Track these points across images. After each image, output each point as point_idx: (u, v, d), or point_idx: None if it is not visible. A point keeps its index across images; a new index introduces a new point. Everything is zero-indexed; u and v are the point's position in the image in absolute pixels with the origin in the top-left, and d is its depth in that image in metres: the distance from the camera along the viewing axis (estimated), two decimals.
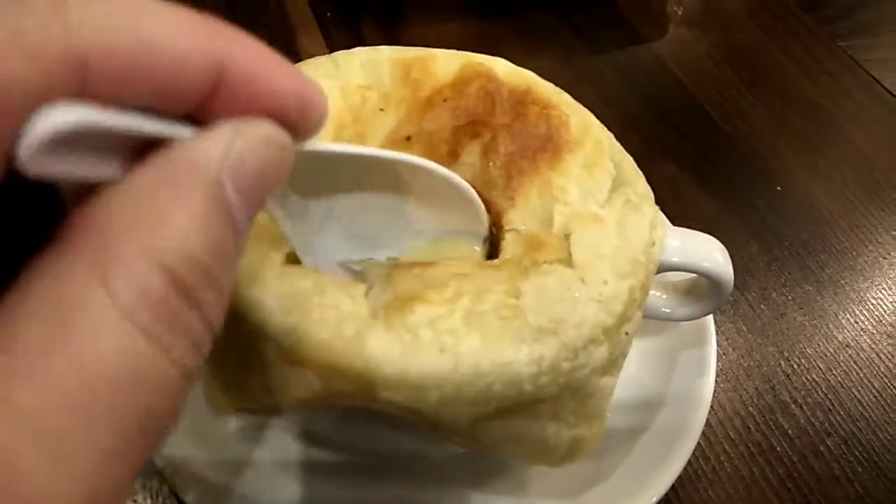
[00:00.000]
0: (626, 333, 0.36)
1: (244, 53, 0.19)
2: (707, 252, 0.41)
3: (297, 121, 0.21)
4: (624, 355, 0.37)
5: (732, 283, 0.40)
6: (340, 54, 0.44)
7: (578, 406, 0.37)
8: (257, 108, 0.19)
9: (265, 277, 0.33)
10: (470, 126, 0.40)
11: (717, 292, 0.41)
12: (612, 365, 0.37)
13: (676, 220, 0.59)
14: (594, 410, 0.38)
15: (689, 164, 0.65)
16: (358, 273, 0.35)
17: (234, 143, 0.18)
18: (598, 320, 0.34)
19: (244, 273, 0.33)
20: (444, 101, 0.41)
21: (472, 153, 0.40)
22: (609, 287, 0.35)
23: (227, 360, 0.37)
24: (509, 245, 0.38)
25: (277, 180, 0.20)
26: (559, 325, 0.33)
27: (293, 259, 0.34)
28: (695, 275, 0.42)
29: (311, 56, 0.71)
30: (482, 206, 0.37)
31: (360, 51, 0.44)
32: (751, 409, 0.50)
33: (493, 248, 0.39)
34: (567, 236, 0.37)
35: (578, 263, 0.35)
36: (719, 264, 0.40)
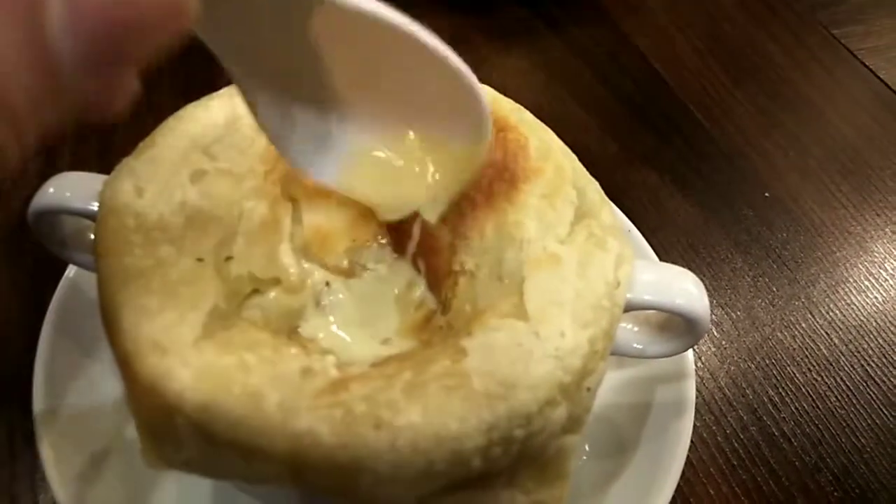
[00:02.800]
0: (588, 389, 0.33)
1: None
2: (680, 288, 0.37)
3: None
4: (588, 411, 0.34)
5: (709, 321, 0.37)
6: None
7: (537, 472, 0.33)
8: None
9: (179, 344, 0.30)
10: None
11: (692, 330, 0.38)
12: (575, 423, 0.33)
13: (657, 232, 0.56)
14: (555, 472, 0.34)
15: (670, 169, 0.61)
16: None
17: None
18: (555, 379, 0.31)
19: (154, 339, 0.30)
20: None
21: None
22: (567, 339, 0.32)
23: (144, 426, 0.33)
24: (463, 291, 0.35)
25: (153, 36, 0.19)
26: (510, 389, 0.30)
27: (216, 315, 0.31)
28: None
29: None
30: (486, 106, 0.31)
31: None
32: (735, 443, 0.46)
33: (441, 293, 0.36)
34: (521, 282, 0.33)
35: (533, 314, 0.32)
36: (693, 302, 0.36)
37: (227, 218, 0.34)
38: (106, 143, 0.58)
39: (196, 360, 0.29)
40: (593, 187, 0.38)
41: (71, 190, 0.36)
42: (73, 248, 0.39)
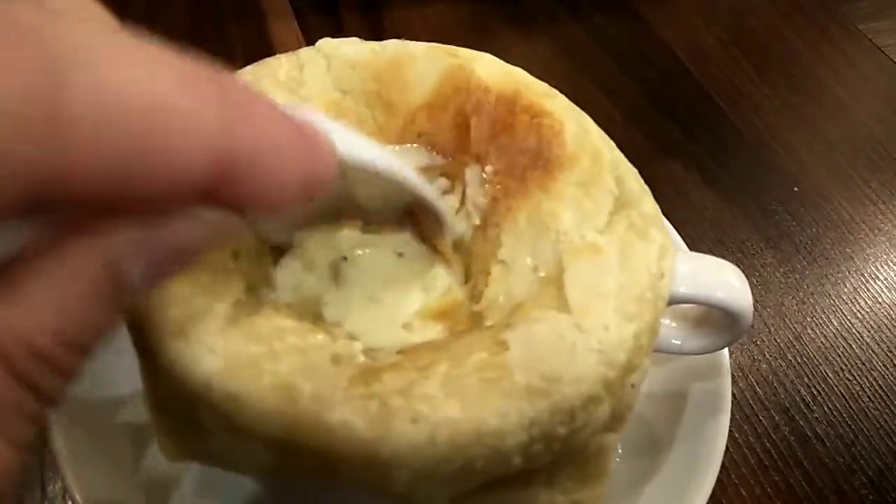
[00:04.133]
0: (633, 385, 0.31)
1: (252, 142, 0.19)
2: (721, 280, 0.35)
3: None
4: (630, 409, 0.32)
5: (752, 316, 0.35)
6: (305, 54, 0.39)
7: (577, 470, 0.32)
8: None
9: (205, 331, 0.28)
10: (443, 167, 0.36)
11: (733, 325, 0.36)
12: (617, 421, 0.32)
13: (684, 225, 0.54)
14: (595, 471, 0.33)
15: (696, 162, 0.60)
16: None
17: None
18: (599, 374, 0.29)
19: (179, 325, 0.28)
20: (419, 136, 0.36)
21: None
22: (611, 333, 0.30)
23: (165, 417, 0.32)
24: (495, 281, 0.33)
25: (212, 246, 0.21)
26: (552, 383, 0.28)
27: (241, 307, 0.29)
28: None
29: (284, 45, 0.66)
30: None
31: (328, 46, 0.39)
32: (767, 443, 0.45)
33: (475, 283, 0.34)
34: (561, 273, 0.31)
35: (574, 306, 0.30)
36: (735, 294, 0.35)
37: None
38: None
39: (223, 347, 0.28)
40: (633, 175, 0.36)
41: None
42: None
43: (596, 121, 0.38)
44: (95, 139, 0.15)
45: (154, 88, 0.16)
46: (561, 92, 0.39)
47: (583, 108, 0.38)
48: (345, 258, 0.34)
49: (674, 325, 0.38)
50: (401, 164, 0.31)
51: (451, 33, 0.69)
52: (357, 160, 0.27)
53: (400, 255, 0.36)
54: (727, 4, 0.76)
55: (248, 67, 0.37)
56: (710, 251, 0.54)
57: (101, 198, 0.16)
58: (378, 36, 0.67)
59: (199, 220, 0.19)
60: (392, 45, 0.39)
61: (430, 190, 0.33)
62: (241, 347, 0.28)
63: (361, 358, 0.29)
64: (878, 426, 0.46)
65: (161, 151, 0.17)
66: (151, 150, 0.16)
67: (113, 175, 0.16)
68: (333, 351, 0.28)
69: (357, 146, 0.27)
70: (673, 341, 0.38)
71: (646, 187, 0.36)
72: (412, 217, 0.36)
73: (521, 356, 0.28)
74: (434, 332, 0.33)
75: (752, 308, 0.35)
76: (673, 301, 0.34)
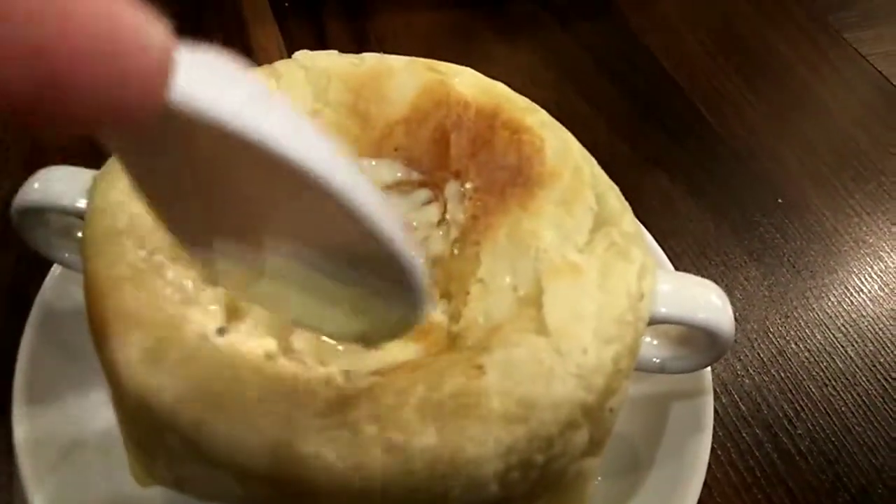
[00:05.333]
0: (611, 410, 0.31)
1: None
2: (702, 300, 0.35)
3: None
4: (609, 433, 0.32)
5: (733, 337, 0.35)
6: (282, 65, 0.38)
7: (555, 497, 0.31)
8: None
9: (171, 357, 0.27)
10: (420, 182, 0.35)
11: (714, 345, 0.36)
12: (595, 446, 0.31)
13: (668, 238, 0.54)
14: (574, 498, 0.32)
15: (682, 172, 0.59)
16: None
17: None
18: (577, 399, 0.29)
19: (144, 350, 0.27)
20: (395, 149, 0.35)
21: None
22: (589, 356, 0.30)
23: (135, 442, 0.31)
24: (475, 300, 0.32)
25: None
26: (530, 409, 0.28)
27: (202, 340, 0.28)
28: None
29: (265, 51, 0.65)
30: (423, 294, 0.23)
31: (305, 58, 0.38)
32: (750, 461, 0.44)
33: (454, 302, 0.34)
34: (540, 293, 0.31)
35: (553, 329, 0.30)
36: (717, 315, 0.34)
37: None
38: None
39: (189, 373, 0.27)
40: (614, 193, 0.36)
41: (58, 186, 0.33)
42: (60, 247, 0.37)
43: (580, 129, 0.37)
44: None
45: None
46: (545, 101, 0.38)
47: (567, 117, 0.37)
48: None
49: (655, 342, 0.38)
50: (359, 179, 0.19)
51: (436, 41, 0.68)
52: (228, 123, 0.16)
53: None
54: (714, 12, 0.76)
55: None
56: (694, 264, 0.53)
57: None
58: (361, 43, 0.67)
59: None
60: (370, 59, 0.38)
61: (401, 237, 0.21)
62: (208, 372, 0.27)
63: (337, 381, 0.28)
64: (861, 442, 0.46)
65: None
66: None
67: None
68: (306, 377, 0.28)
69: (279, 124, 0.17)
70: (654, 360, 0.37)
71: (626, 204, 0.36)
72: None
73: (498, 381, 0.28)
74: (411, 352, 0.33)
75: (733, 329, 0.34)
76: (653, 321, 0.33)
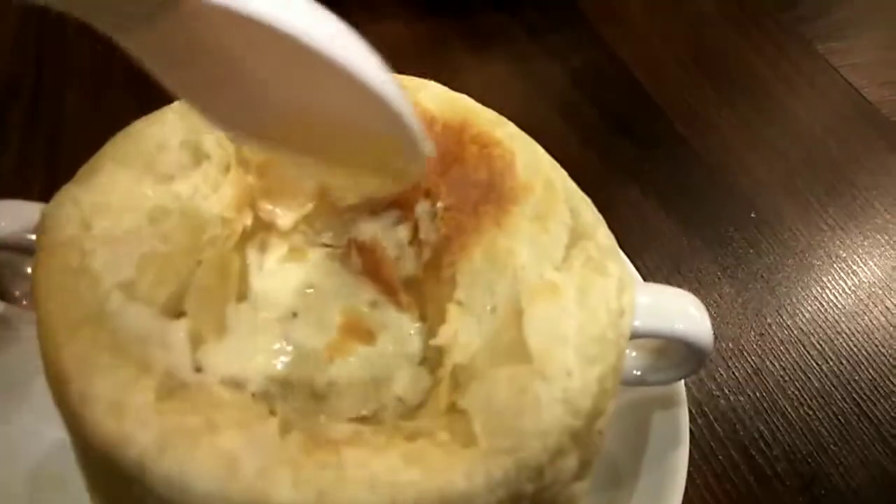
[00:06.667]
0: (600, 432, 0.29)
1: None
2: (679, 311, 0.34)
3: None
4: (597, 454, 0.30)
5: (712, 346, 0.34)
6: None
7: None
8: None
9: (137, 405, 0.25)
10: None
11: (694, 356, 0.34)
12: (584, 469, 0.30)
13: (641, 253, 0.53)
14: None
15: (653, 185, 0.59)
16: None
17: None
18: (564, 425, 0.27)
19: (108, 399, 0.25)
20: None
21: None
22: (574, 379, 0.28)
23: (101, 495, 0.29)
24: (452, 322, 0.31)
25: None
26: (517, 440, 0.26)
27: (170, 382, 0.26)
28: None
29: None
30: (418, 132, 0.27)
31: None
32: (727, 484, 0.43)
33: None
34: (519, 314, 0.29)
35: (535, 353, 0.28)
36: (695, 326, 0.33)
37: (184, 269, 0.29)
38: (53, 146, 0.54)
39: (157, 421, 0.25)
40: (587, 205, 0.35)
41: (3, 221, 0.31)
42: (5, 286, 0.34)
43: (551, 142, 0.36)
44: None
45: None
46: (516, 113, 0.37)
47: (538, 129, 0.36)
48: (294, 314, 0.32)
49: (633, 354, 0.37)
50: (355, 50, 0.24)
51: (407, 51, 0.66)
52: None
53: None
54: (685, 24, 0.76)
55: None
56: (667, 280, 0.52)
57: None
58: None
59: None
60: None
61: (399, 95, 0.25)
62: (177, 420, 0.25)
63: (314, 426, 0.27)
64: (837, 463, 0.45)
65: None
66: None
67: None
68: (281, 420, 0.26)
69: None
70: (634, 372, 0.37)
71: (600, 217, 0.35)
72: (361, 252, 0.35)
73: (483, 420, 0.27)
74: None
75: (711, 338, 0.34)
76: (632, 336, 0.32)
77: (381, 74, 0.24)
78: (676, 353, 0.35)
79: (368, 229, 0.35)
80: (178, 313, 0.28)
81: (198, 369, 0.27)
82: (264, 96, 0.25)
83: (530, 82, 0.66)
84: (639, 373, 0.36)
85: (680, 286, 0.50)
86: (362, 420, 0.30)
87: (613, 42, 0.71)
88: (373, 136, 0.27)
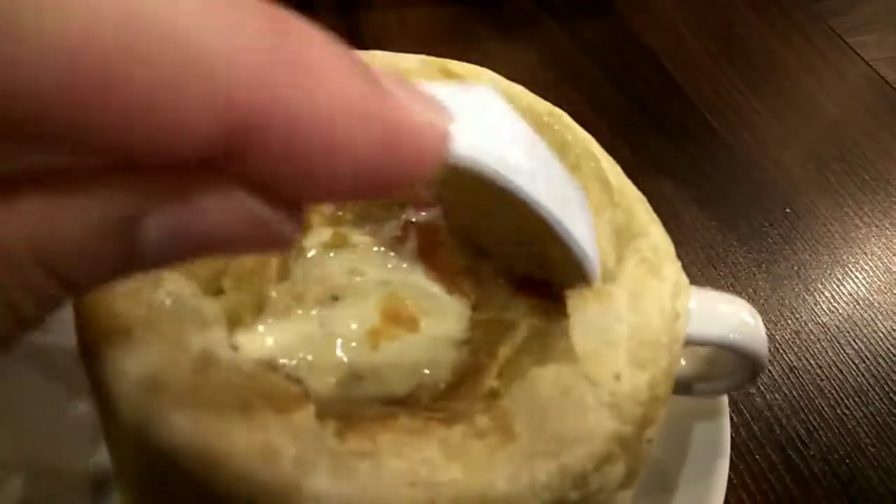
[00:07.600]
0: (649, 441, 0.29)
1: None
2: (733, 319, 0.33)
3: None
4: (645, 464, 0.30)
5: (766, 358, 0.33)
6: None
7: None
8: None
9: (173, 382, 0.25)
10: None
11: (748, 367, 0.34)
12: (631, 478, 0.29)
13: (676, 247, 0.52)
14: None
15: (685, 179, 0.58)
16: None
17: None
18: (612, 430, 0.27)
19: (143, 375, 0.25)
20: None
21: None
22: (624, 383, 0.27)
23: (132, 490, 0.29)
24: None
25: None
26: (562, 444, 0.26)
27: (205, 360, 0.26)
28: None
29: None
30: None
31: None
32: (763, 485, 0.43)
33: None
34: (566, 315, 0.29)
35: (582, 354, 0.27)
36: (750, 335, 0.32)
37: None
38: None
39: (194, 400, 0.24)
40: (641, 203, 0.34)
41: None
42: None
43: None
44: (45, 47, 0.11)
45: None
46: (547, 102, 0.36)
47: None
48: (335, 298, 0.32)
49: (682, 363, 0.36)
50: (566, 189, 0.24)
51: (431, 38, 0.65)
52: (486, 170, 0.19)
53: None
54: (714, 13, 0.74)
55: None
56: (702, 274, 0.52)
57: (45, 129, 0.12)
58: (355, 39, 0.64)
59: (240, 206, 0.15)
60: (380, 57, 0.36)
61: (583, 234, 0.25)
62: (213, 399, 0.24)
63: (349, 411, 0.26)
64: (875, 465, 0.44)
65: (143, 89, 0.12)
66: (127, 84, 0.12)
67: (65, 103, 0.12)
68: (317, 405, 0.25)
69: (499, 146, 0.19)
70: (683, 382, 0.36)
71: (655, 216, 0.34)
72: (421, 235, 0.34)
73: (524, 417, 0.26)
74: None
75: (766, 348, 0.32)
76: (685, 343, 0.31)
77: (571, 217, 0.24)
78: (727, 363, 0.34)
79: (422, 217, 0.34)
80: (217, 291, 0.28)
81: (234, 348, 0.27)
82: None
83: (560, 71, 0.65)
84: (686, 382, 0.35)
85: (716, 281, 0.50)
86: (396, 402, 0.29)
87: (642, 31, 0.70)
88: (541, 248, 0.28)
